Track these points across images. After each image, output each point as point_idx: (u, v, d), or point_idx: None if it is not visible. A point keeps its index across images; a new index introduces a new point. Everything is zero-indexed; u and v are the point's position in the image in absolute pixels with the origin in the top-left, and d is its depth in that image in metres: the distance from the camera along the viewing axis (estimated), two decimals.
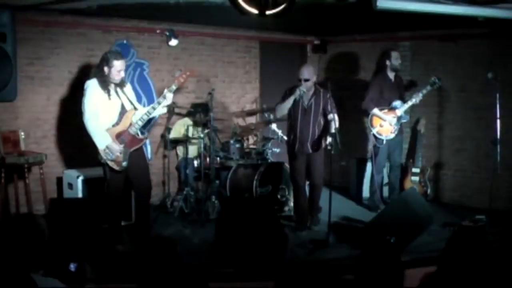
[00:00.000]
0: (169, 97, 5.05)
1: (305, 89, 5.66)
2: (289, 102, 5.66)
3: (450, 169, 7.22)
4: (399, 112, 6.40)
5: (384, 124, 6.44)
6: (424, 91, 6.40)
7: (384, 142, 6.46)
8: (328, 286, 2.27)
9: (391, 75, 6.54)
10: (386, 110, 6.45)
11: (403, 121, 6.51)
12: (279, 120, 6.71)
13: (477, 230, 2.66)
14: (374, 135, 6.48)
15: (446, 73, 7.07)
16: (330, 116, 5.55)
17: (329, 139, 5.45)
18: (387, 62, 6.48)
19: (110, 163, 4.92)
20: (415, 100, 6.39)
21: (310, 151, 5.78)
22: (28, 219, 2.55)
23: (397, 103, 6.45)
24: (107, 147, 4.85)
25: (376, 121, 6.48)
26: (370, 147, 6.62)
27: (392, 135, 6.45)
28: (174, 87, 5.09)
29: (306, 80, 5.65)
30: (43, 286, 2.33)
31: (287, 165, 6.50)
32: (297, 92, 5.60)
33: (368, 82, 7.59)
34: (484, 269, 2.45)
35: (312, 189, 5.95)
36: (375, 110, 6.44)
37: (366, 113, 6.61)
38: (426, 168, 6.75)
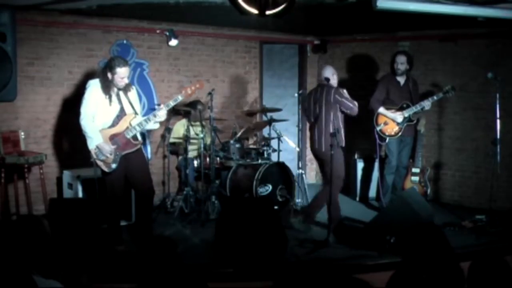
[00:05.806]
0: (162, 115, 4.99)
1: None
2: None
3: (450, 169, 7.22)
4: (406, 113, 6.38)
5: (389, 122, 6.43)
6: (435, 98, 6.33)
7: (387, 140, 6.45)
8: (328, 285, 2.27)
9: (400, 78, 6.48)
10: (393, 110, 6.44)
11: (410, 123, 6.45)
12: (279, 120, 6.73)
13: (431, 228, 2.64)
14: (377, 133, 6.46)
15: (446, 73, 7.08)
16: None
17: None
18: (394, 65, 6.45)
19: (99, 163, 4.87)
20: (424, 105, 6.32)
21: None
22: (33, 221, 2.53)
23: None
24: (97, 147, 4.80)
25: (381, 119, 6.47)
26: (383, 148, 6.59)
27: (396, 135, 6.42)
28: (180, 97, 5.08)
29: None
30: (43, 287, 2.33)
31: (287, 165, 6.51)
32: None
33: (368, 82, 7.59)
34: (441, 266, 2.45)
35: None
36: (381, 109, 6.43)
37: (371, 113, 6.55)
38: (426, 168, 6.74)
